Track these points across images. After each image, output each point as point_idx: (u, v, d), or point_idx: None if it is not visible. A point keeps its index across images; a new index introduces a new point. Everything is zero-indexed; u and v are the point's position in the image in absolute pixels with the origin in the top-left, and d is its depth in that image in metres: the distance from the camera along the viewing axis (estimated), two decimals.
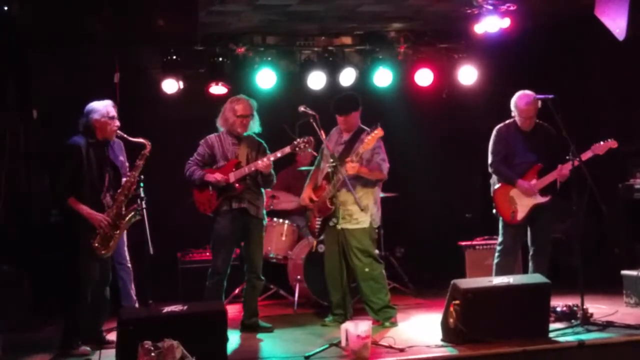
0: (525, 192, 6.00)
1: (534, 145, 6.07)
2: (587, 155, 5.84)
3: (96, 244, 5.28)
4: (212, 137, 6.07)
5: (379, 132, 5.60)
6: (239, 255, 7.60)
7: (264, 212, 6.13)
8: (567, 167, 5.74)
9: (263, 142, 6.14)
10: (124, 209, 5.42)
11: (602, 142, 5.91)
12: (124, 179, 5.51)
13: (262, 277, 6.13)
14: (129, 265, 6.36)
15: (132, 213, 5.42)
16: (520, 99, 6.02)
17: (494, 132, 6.21)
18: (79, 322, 5.33)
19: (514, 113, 6.10)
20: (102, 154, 5.42)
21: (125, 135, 5.59)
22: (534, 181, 6.01)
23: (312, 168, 6.36)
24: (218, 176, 5.86)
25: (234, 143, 6.03)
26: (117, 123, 5.47)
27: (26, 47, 6.86)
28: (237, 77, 7.84)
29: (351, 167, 5.62)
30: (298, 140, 5.87)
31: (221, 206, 5.92)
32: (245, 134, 6.04)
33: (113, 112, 5.45)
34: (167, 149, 6.05)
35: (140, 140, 5.55)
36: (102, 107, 5.42)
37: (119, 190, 5.44)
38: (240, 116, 5.97)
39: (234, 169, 5.92)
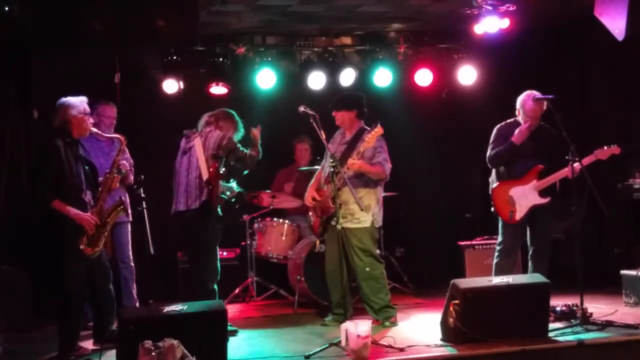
0: (521, 135, 5.91)
1: (535, 146, 6.05)
2: (589, 160, 5.81)
3: (82, 246, 5.18)
4: None
5: (379, 130, 5.65)
6: (238, 255, 7.65)
7: None
8: (570, 169, 5.72)
9: None
10: (105, 206, 5.36)
11: (605, 148, 5.86)
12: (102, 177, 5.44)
13: None
14: (132, 264, 6.38)
15: (118, 209, 5.38)
16: (527, 98, 6.00)
17: (495, 130, 6.20)
18: (73, 323, 5.28)
19: (519, 112, 6.09)
20: (77, 151, 5.35)
21: (98, 132, 5.59)
22: (534, 182, 6.00)
23: (312, 168, 6.38)
24: None
25: None
26: (92, 120, 5.44)
27: (26, 47, 6.86)
28: (237, 77, 7.84)
29: (352, 163, 5.65)
30: None
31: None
32: None
33: (88, 108, 5.41)
34: (167, 149, 6.04)
35: (115, 135, 5.60)
36: (79, 103, 5.35)
37: (100, 188, 5.37)
38: None
39: None
